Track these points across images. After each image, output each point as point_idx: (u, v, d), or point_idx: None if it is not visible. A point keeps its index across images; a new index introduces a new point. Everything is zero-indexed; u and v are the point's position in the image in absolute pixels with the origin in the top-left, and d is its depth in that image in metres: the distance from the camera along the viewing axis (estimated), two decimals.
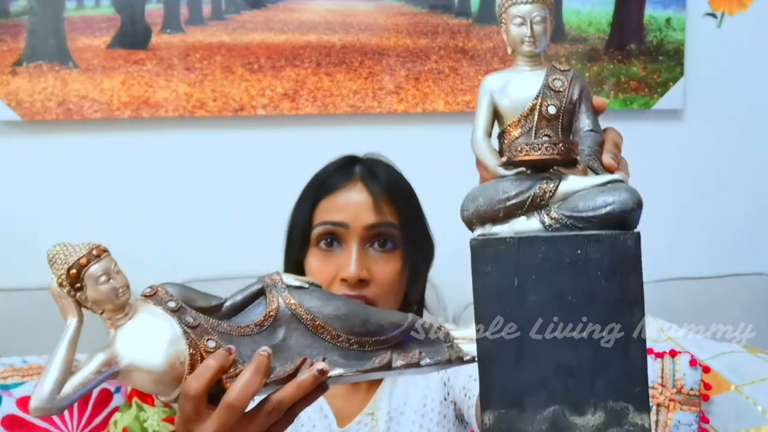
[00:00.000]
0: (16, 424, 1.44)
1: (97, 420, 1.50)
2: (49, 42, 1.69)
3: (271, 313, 0.69)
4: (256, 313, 0.70)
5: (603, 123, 0.64)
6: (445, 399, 1.06)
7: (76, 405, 1.48)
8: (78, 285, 0.62)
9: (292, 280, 0.71)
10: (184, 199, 1.79)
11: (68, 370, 0.61)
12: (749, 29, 1.91)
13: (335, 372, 0.67)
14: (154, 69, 1.72)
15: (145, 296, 0.67)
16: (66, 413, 1.47)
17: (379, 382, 1.07)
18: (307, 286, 0.71)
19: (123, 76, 1.72)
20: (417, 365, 0.69)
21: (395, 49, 1.80)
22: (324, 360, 0.66)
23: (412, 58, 1.80)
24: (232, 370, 0.65)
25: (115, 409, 1.51)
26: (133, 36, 1.72)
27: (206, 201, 1.80)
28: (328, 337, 0.68)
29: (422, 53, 1.80)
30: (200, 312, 0.68)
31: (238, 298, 0.71)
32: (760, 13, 1.91)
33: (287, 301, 0.69)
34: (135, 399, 1.50)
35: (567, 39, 1.83)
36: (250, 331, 0.68)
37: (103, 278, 0.62)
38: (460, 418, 1.07)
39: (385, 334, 0.70)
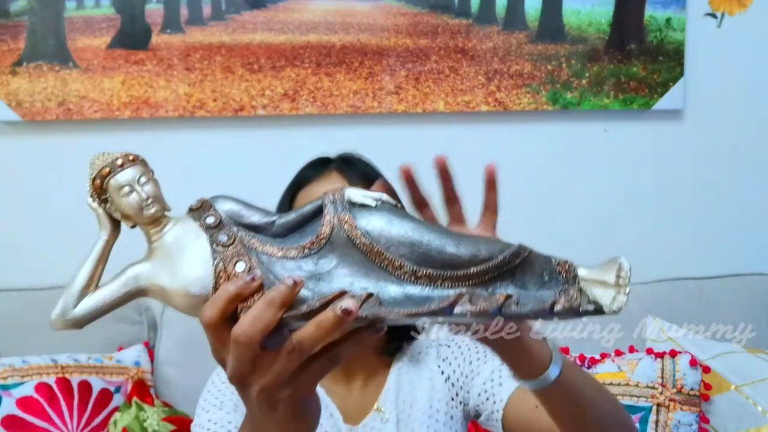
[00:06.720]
0: (16, 424, 1.44)
1: (97, 420, 1.50)
2: (49, 42, 1.69)
3: (322, 236, 0.56)
4: (309, 234, 0.57)
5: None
6: (453, 399, 1.06)
7: (76, 405, 1.48)
8: (104, 196, 0.58)
9: (358, 195, 0.57)
10: (184, 199, 1.78)
11: (90, 285, 0.57)
12: (749, 29, 1.91)
13: (371, 311, 0.52)
14: (154, 69, 1.72)
15: (191, 210, 0.61)
16: (66, 413, 1.47)
17: (383, 379, 1.07)
18: (374, 203, 0.57)
19: (123, 76, 1.72)
20: (493, 314, 0.51)
21: (395, 49, 1.80)
22: (371, 296, 0.52)
23: (412, 58, 1.80)
24: (257, 297, 0.53)
25: (115, 409, 1.51)
26: (133, 36, 1.72)
27: None
28: (388, 267, 0.54)
29: (422, 53, 1.80)
30: (250, 230, 0.58)
31: (292, 215, 0.59)
32: (760, 13, 1.91)
33: (343, 222, 0.56)
34: (135, 399, 1.50)
35: (567, 39, 1.82)
36: (296, 254, 0.56)
37: (126, 189, 0.57)
38: (468, 418, 1.06)
39: (466, 267, 0.53)
